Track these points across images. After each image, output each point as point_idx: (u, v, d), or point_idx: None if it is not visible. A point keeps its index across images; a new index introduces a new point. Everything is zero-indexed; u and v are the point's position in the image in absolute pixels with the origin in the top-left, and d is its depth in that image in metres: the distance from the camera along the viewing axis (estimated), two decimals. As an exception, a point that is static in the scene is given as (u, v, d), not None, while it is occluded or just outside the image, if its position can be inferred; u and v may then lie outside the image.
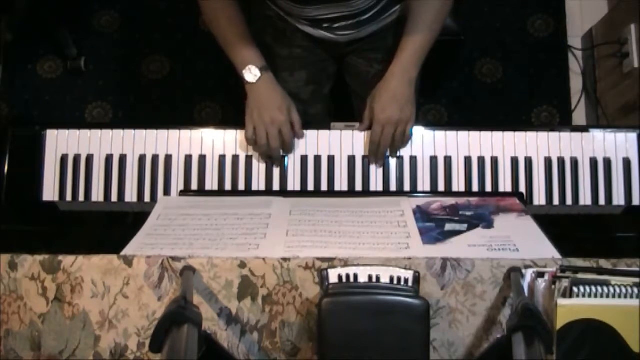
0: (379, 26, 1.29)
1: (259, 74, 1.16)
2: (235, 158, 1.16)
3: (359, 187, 1.16)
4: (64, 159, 1.16)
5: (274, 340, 0.79)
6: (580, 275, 0.72)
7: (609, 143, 1.16)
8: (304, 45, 1.32)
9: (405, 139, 1.16)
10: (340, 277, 0.73)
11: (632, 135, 1.16)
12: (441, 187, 1.15)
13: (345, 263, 0.78)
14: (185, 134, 1.17)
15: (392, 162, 1.16)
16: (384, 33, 1.30)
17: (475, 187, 1.15)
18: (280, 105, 1.16)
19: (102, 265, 0.80)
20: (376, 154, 1.15)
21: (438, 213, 0.97)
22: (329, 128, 1.18)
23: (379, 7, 1.24)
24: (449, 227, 0.92)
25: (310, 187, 1.15)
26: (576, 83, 2.12)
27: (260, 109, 1.15)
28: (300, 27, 1.28)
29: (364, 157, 1.16)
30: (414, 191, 1.14)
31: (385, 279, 0.73)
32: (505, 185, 1.15)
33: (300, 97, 1.34)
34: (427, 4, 1.15)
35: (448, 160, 1.16)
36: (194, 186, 1.15)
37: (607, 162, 1.15)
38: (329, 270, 0.74)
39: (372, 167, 1.16)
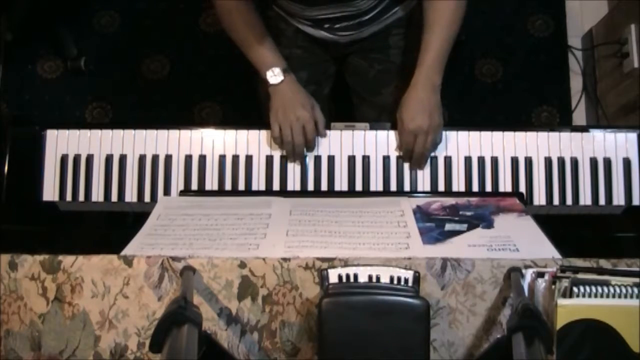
0: (379, 26, 1.29)
1: (282, 76, 1.18)
2: (235, 158, 1.16)
3: (359, 187, 1.16)
4: (64, 159, 1.16)
5: (274, 340, 0.79)
6: (580, 275, 0.72)
7: (609, 143, 1.16)
8: (304, 46, 1.32)
9: (434, 145, 1.15)
10: (340, 277, 0.73)
11: (632, 135, 1.16)
12: (441, 187, 1.15)
13: (345, 263, 0.78)
14: (185, 134, 1.17)
15: (392, 162, 1.16)
16: (384, 33, 1.30)
17: (475, 187, 1.15)
18: (304, 103, 1.18)
19: (102, 265, 0.80)
20: (411, 163, 1.15)
21: (438, 213, 0.97)
22: (329, 128, 1.18)
23: (380, 8, 1.24)
24: (449, 227, 0.92)
25: (310, 187, 1.15)
26: (576, 83, 2.11)
27: (285, 108, 1.16)
28: (301, 28, 1.28)
29: (364, 157, 1.16)
30: (414, 191, 1.14)
31: (385, 279, 0.73)
32: (505, 185, 1.15)
33: None
34: (442, 6, 1.14)
35: (448, 160, 1.16)
36: (194, 186, 1.15)
37: (607, 162, 1.15)
38: (329, 270, 0.74)
39: (372, 167, 1.16)
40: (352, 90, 1.42)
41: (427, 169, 1.16)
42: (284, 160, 1.16)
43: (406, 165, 1.16)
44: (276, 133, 1.16)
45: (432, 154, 1.16)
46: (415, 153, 1.14)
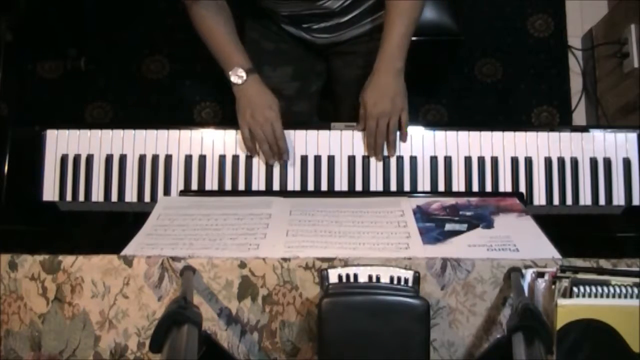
0: (358, 31, 1.30)
1: (244, 76, 1.17)
2: (235, 158, 1.16)
3: (359, 187, 1.15)
4: (64, 159, 1.16)
5: (274, 340, 0.79)
6: (580, 275, 0.72)
7: (609, 143, 1.16)
8: (290, 41, 1.32)
9: (402, 126, 1.15)
10: (340, 277, 0.73)
11: (632, 135, 1.16)
12: (441, 187, 1.15)
13: (345, 263, 0.78)
14: (185, 134, 1.17)
15: (392, 162, 1.16)
16: (364, 38, 1.31)
17: (475, 187, 1.15)
18: (271, 103, 1.18)
19: (102, 265, 0.80)
20: (374, 148, 1.15)
21: (438, 213, 0.97)
22: (329, 128, 1.18)
23: (358, 12, 1.25)
24: (449, 227, 0.92)
25: (310, 187, 1.15)
26: (576, 83, 2.12)
27: (252, 109, 1.16)
28: (283, 26, 1.29)
29: (364, 157, 1.16)
30: (414, 191, 1.14)
31: (385, 279, 0.73)
32: (505, 185, 1.15)
33: (283, 93, 1.34)
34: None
35: (448, 160, 1.16)
36: (194, 186, 1.15)
37: (607, 162, 1.15)
38: (329, 270, 0.74)
39: (372, 167, 1.16)
40: (333, 91, 1.42)
41: (427, 169, 1.16)
42: (283, 160, 1.16)
43: (406, 166, 1.16)
44: (246, 134, 1.16)
45: (432, 154, 1.16)
46: (378, 137, 1.14)
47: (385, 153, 1.16)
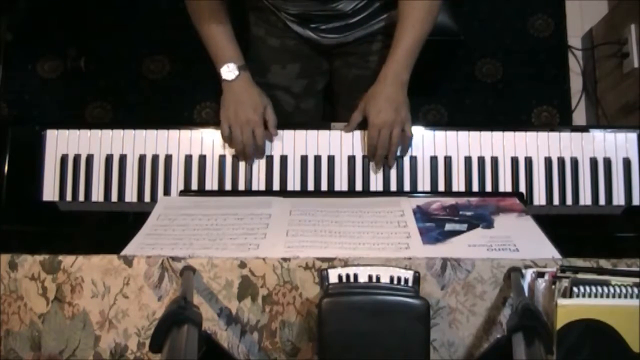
0: (365, 32, 1.29)
1: (236, 72, 1.17)
2: (235, 158, 1.16)
3: (359, 187, 1.15)
4: (64, 159, 1.16)
5: (274, 340, 0.79)
6: (580, 275, 0.72)
7: (609, 143, 1.16)
8: (296, 39, 1.32)
9: (404, 140, 1.15)
10: (340, 277, 0.73)
11: (632, 135, 1.16)
12: (441, 187, 1.15)
13: (345, 263, 0.78)
14: (185, 134, 1.17)
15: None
16: (369, 39, 1.30)
17: (475, 187, 1.15)
18: (256, 105, 1.16)
19: (102, 265, 0.80)
20: (374, 159, 1.14)
21: (438, 213, 0.97)
22: (329, 128, 1.18)
23: (368, 12, 1.24)
24: (449, 227, 0.92)
25: (310, 187, 1.15)
26: (576, 83, 2.12)
27: (236, 107, 1.16)
28: (289, 25, 1.29)
29: (364, 157, 1.16)
30: (414, 191, 1.14)
31: (385, 279, 0.73)
32: (505, 185, 1.15)
33: (292, 91, 1.34)
34: (416, 4, 1.14)
35: (448, 160, 1.16)
36: (194, 186, 1.15)
37: (607, 162, 1.15)
38: (329, 270, 0.74)
39: (372, 167, 1.16)
40: (333, 91, 1.42)
41: (427, 169, 1.16)
42: (283, 160, 1.16)
43: (406, 166, 1.16)
44: (225, 132, 1.15)
45: (432, 154, 1.16)
46: (379, 148, 1.13)
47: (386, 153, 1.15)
